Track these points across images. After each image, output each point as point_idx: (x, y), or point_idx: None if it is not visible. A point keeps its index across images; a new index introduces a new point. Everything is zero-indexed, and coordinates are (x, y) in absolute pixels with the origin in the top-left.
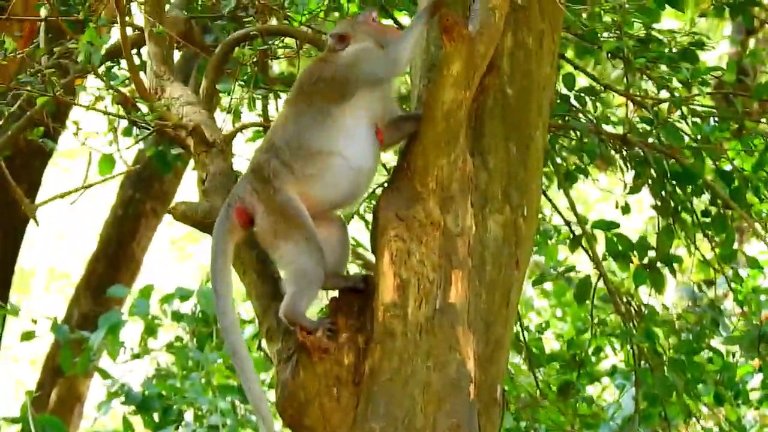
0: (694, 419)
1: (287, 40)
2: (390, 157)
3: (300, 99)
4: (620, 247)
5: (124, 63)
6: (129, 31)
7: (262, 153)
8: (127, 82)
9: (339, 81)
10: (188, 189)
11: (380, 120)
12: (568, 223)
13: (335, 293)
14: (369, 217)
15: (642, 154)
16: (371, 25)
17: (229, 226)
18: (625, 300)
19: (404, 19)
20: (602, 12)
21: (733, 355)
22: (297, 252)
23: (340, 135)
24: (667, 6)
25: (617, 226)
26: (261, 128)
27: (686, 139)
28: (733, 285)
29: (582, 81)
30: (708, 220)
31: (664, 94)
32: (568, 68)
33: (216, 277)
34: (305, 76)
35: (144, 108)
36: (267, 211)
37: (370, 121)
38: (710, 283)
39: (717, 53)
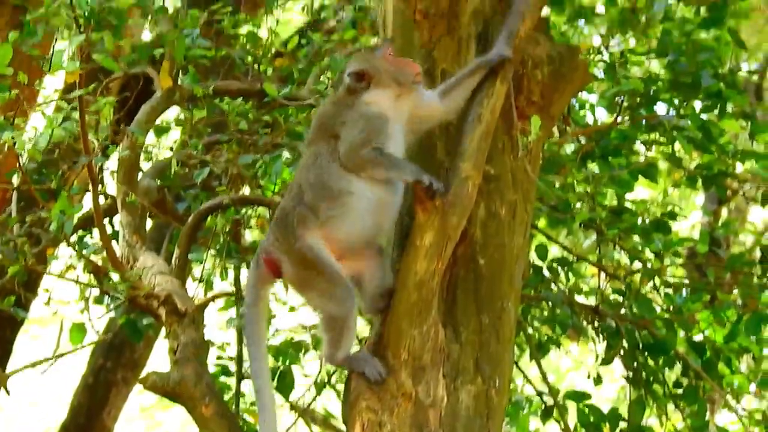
0: None
1: (260, 208)
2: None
3: (318, 139)
4: (592, 418)
5: (96, 231)
6: (101, 199)
7: (288, 199)
8: (99, 249)
9: (348, 127)
10: (159, 358)
11: (400, 149)
12: (539, 394)
13: None
14: (341, 387)
15: (614, 325)
16: (389, 61)
17: (259, 275)
18: None
19: None
20: (575, 182)
21: None
22: (322, 299)
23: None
24: (639, 176)
25: (589, 397)
26: (233, 297)
27: (658, 309)
28: None
29: (554, 250)
30: (680, 391)
31: (637, 265)
32: (541, 238)
33: (249, 325)
34: (323, 115)
35: (116, 277)
36: (289, 261)
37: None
38: None
39: (689, 222)
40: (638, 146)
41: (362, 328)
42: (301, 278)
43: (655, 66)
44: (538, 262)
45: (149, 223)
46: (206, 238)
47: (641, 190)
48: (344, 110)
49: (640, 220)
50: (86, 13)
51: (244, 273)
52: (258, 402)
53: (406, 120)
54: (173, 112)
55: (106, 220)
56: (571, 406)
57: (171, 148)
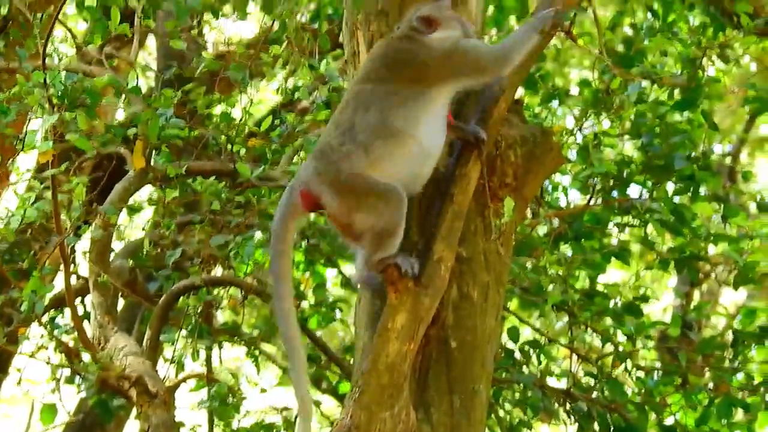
0: None
1: (232, 289)
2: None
3: (382, 78)
4: None
5: (67, 312)
6: (73, 279)
7: (335, 135)
8: (70, 330)
9: (436, 65)
10: None
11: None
12: None
13: None
14: None
15: (586, 408)
16: (453, 11)
17: (291, 209)
18: None
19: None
20: (547, 264)
21: None
22: (372, 216)
23: (423, 118)
24: (612, 259)
25: None
26: (204, 379)
27: (630, 393)
28: None
29: (526, 332)
30: None
31: (609, 347)
32: (513, 320)
33: (275, 259)
34: (388, 54)
35: (87, 357)
36: (332, 192)
37: (446, 105)
38: None
39: (662, 304)
40: (611, 228)
41: (332, 409)
42: (349, 205)
43: (629, 148)
44: (510, 345)
45: (121, 304)
46: (178, 318)
47: (613, 273)
48: (413, 48)
49: (612, 303)
50: (60, 93)
51: (216, 354)
52: (285, 342)
53: None
54: (146, 192)
55: (77, 301)
56: None
57: (143, 228)
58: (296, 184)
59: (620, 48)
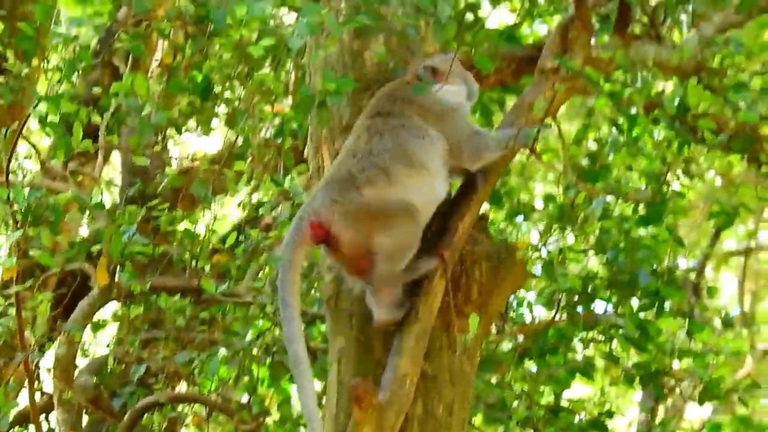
0: None
1: (196, 406)
2: None
3: (391, 112)
4: None
5: (32, 428)
6: (38, 396)
7: (353, 163)
8: None
9: (431, 115)
10: None
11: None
12: None
13: None
14: None
15: None
16: (460, 66)
17: (299, 238)
18: None
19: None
20: (512, 380)
21: None
22: (392, 233)
23: (433, 153)
24: (577, 374)
25: None
26: None
27: None
28: None
29: None
30: None
31: None
32: None
33: (283, 287)
34: (394, 94)
35: None
36: (348, 221)
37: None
38: None
39: (627, 419)
40: (576, 344)
41: None
42: (369, 230)
43: (594, 263)
44: None
45: (85, 420)
46: None
47: (578, 388)
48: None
49: (577, 419)
50: (23, 209)
51: None
52: (294, 369)
53: None
54: (111, 307)
55: (42, 417)
56: None
57: (108, 345)
58: (305, 214)
59: (585, 162)
